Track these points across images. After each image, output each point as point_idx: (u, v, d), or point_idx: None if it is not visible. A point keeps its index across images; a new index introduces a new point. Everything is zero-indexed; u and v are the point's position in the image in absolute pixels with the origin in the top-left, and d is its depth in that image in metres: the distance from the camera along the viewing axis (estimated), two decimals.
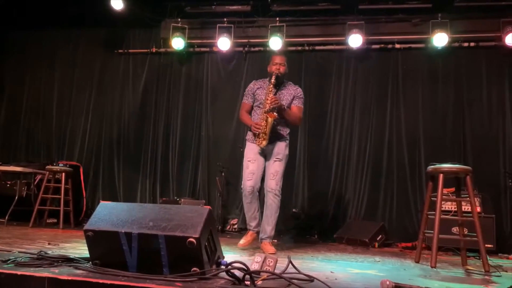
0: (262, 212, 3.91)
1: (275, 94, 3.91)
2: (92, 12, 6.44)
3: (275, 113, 3.78)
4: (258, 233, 3.93)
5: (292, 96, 4.00)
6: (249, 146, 3.97)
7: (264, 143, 3.79)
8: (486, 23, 5.89)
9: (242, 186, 3.91)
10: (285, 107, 3.90)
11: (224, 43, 6.35)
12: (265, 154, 3.92)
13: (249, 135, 4.00)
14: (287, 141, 3.98)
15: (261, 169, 3.90)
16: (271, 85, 3.87)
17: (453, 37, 5.87)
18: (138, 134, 6.89)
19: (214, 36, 6.41)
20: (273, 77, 3.87)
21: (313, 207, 6.16)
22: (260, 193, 3.95)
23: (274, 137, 3.88)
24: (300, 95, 4.04)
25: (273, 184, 3.79)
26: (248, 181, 3.84)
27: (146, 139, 6.84)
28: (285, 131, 3.99)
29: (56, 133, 7.10)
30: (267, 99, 3.82)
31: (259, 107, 3.98)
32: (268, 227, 3.80)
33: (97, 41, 7.17)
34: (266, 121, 3.77)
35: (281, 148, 3.90)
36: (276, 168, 3.83)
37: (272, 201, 3.79)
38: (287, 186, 6.15)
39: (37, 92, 7.28)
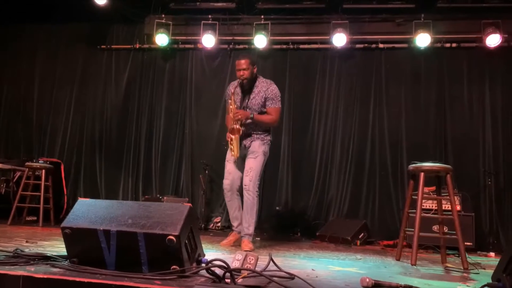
0: None
1: (246, 99, 3.99)
2: (74, 7, 6.31)
3: (239, 127, 3.85)
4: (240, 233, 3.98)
5: (264, 98, 3.96)
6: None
7: (236, 154, 3.89)
8: (468, 24, 5.99)
9: None
10: (251, 116, 3.89)
11: (208, 40, 6.31)
12: (244, 153, 4.00)
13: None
14: (264, 140, 4.00)
15: (240, 168, 3.99)
16: (233, 96, 3.92)
17: (435, 38, 5.94)
18: (121, 131, 6.80)
19: (198, 33, 6.37)
20: (235, 87, 3.98)
21: (296, 205, 6.18)
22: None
23: (250, 137, 3.98)
24: (272, 95, 3.95)
25: (247, 180, 3.84)
26: (225, 180, 4.02)
27: (128, 136, 6.76)
28: (262, 131, 4.01)
29: (36, 130, 6.95)
30: (231, 113, 3.91)
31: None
32: (245, 224, 3.85)
33: (80, 36, 7.04)
34: (232, 140, 3.90)
35: (255, 146, 3.95)
36: (250, 165, 3.88)
37: (247, 198, 3.84)
38: (270, 184, 6.21)
39: (17, 87, 7.12)
